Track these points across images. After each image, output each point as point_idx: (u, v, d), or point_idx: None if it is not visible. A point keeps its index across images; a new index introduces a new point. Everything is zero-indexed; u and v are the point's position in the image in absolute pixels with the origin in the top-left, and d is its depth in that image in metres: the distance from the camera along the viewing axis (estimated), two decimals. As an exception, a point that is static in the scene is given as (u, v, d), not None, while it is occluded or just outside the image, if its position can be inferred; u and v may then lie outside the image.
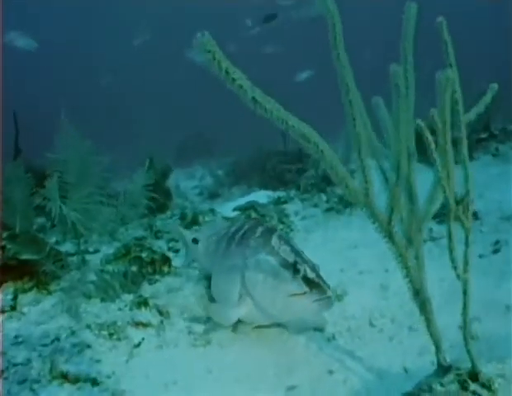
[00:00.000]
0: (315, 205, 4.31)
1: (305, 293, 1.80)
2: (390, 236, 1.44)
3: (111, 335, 2.02)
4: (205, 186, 6.82)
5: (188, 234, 2.64)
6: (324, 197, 4.57)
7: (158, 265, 2.58)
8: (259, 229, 2.11)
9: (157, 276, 2.51)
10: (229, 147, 8.04)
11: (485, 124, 5.73)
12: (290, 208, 4.16)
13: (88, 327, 2.04)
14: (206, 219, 3.64)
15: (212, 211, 3.79)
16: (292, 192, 4.73)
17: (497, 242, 2.68)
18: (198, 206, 4.63)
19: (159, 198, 3.55)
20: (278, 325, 2.22)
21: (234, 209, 3.80)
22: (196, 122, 11.24)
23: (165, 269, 2.57)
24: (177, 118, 12.08)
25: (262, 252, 1.97)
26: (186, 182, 6.90)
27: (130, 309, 2.27)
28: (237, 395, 1.77)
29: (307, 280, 1.81)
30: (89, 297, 2.39)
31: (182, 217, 3.76)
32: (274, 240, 2.00)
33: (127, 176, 3.36)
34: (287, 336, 2.15)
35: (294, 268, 1.84)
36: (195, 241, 2.49)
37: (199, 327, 2.20)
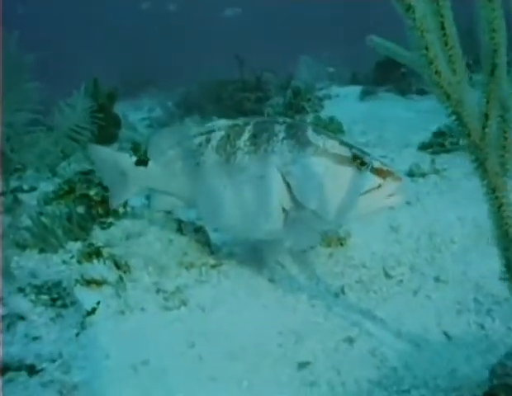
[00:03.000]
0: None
1: (379, 186, 1.50)
2: (481, 157, 0.97)
3: (53, 300, 1.49)
4: (154, 118, 6.21)
5: (126, 155, 1.88)
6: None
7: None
8: (279, 128, 1.61)
9: (110, 219, 1.95)
10: (177, 77, 7.35)
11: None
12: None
13: (22, 290, 1.50)
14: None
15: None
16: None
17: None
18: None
19: (106, 125, 2.95)
20: (270, 280, 1.77)
21: (197, 139, 3.24)
22: (143, 55, 10.34)
23: (120, 209, 2.02)
24: (123, 50, 11.11)
25: (302, 154, 1.56)
26: (133, 115, 6.23)
27: (79, 262, 1.75)
28: (233, 378, 1.31)
29: (376, 171, 1.51)
30: (23, 247, 1.84)
31: (135, 148, 3.18)
32: (312, 136, 1.58)
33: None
34: (283, 292, 1.70)
35: (359, 161, 1.51)
36: (142, 163, 1.84)
37: (170, 284, 1.72)
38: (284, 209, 1.60)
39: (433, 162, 2.57)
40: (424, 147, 2.96)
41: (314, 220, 1.58)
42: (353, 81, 6.11)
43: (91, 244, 1.81)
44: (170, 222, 1.96)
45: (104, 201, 2.05)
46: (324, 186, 1.52)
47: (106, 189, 2.08)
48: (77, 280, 1.62)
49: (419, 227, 1.99)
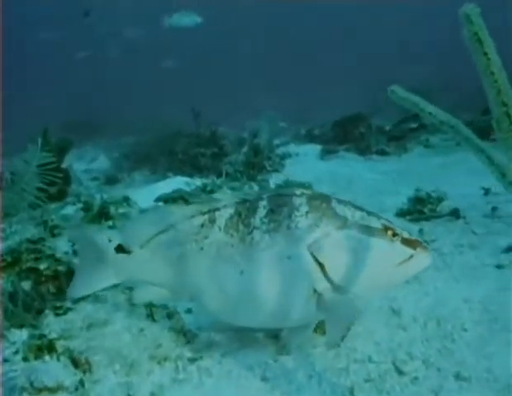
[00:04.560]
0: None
1: (411, 256, 1.44)
2: None
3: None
4: (98, 169, 5.86)
5: (105, 239, 1.57)
6: (255, 186, 3.88)
7: (66, 281, 1.69)
8: (299, 201, 1.44)
9: (67, 302, 1.62)
10: (126, 125, 7.04)
11: (415, 114, 5.42)
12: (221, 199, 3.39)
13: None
14: (120, 210, 2.74)
15: (127, 200, 2.88)
16: (219, 180, 3.97)
17: (510, 248, 2.15)
18: (96, 193, 3.70)
19: (57, 182, 2.61)
20: (263, 379, 1.48)
21: (158, 199, 2.95)
22: (89, 99, 9.98)
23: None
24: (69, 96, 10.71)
25: (332, 228, 1.42)
26: (76, 165, 5.84)
27: (25, 360, 1.40)
28: None
29: (406, 241, 1.45)
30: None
31: (86, 207, 2.83)
32: (339, 207, 1.45)
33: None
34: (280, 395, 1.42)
35: (390, 232, 1.44)
36: (122, 249, 1.58)
37: (142, 385, 1.39)
38: (315, 291, 1.42)
39: (421, 232, 2.40)
40: (402, 213, 2.81)
41: (348, 300, 1.43)
42: (309, 138, 6.05)
43: (42, 335, 1.47)
44: (139, 306, 1.65)
45: (57, 277, 1.71)
46: (358, 261, 1.41)
47: (59, 261, 1.75)
48: (23, 389, 1.27)
49: (422, 310, 1.77)
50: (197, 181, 4.07)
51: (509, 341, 1.57)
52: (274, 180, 4.00)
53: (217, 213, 1.47)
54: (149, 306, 1.67)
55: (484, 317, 1.71)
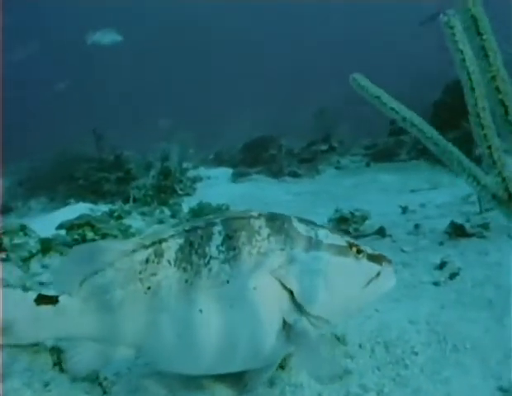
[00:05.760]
0: (161, 221, 3.34)
1: (378, 273, 1.33)
2: None
3: None
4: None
5: (18, 290, 1.31)
6: (167, 211, 3.63)
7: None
8: (258, 223, 1.26)
9: None
10: (20, 150, 6.48)
11: (325, 136, 5.48)
12: (131, 225, 3.10)
13: None
14: (17, 241, 2.38)
15: (24, 229, 2.51)
16: (127, 205, 3.68)
17: (443, 264, 2.09)
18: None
19: None
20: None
21: (60, 227, 2.61)
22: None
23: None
24: None
25: (298, 250, 1.26)
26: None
27: None
28: None
29: (371, 257, 1.34)
30: None
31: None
32: (301, 227, 1.30)
33: None
34: None
35: (355, 249, 1.32)
36: (44, 299, 1.26)
37: None
38: (285, 323, 1.25)
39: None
40: (326, 234, 2.70)
41: (320, 327, 1.30)
42: (218, 162, 5.90)
43: None
44: (43, 352, 1.35)
45: None
46: (329, 284, 1.27)
47: None
48: None
49: (367, 335, 1.62)
50: (103, 207, 3.76)
51: (461, 362, 1.47)
52: (187, 204, 3.77)
53: (164, 244, 1.24)
54: (56, 352, 1.38)
55: (432, 338, 1.59)
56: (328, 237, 1.31)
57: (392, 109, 1.09)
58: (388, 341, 1.58)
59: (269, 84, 11.30)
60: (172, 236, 1.25)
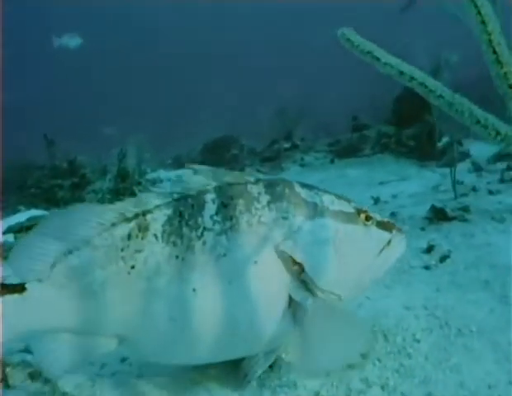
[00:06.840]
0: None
1: (389, 241, 1.22)
2: None
3: None
4: None
5: None
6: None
7: None
8: (257, 190, 1.11)
9: None
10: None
11: (287, 135, 5.36)
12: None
13: None
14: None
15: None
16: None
17: (431, 247, 1.96)
18: None
19: None
20: None
21: (8, 230, 2.35)
22: None
23: None
24: None
25: (303, 218, 1.11)
26: None
27: None
28: None
29: (381, 225, 1.23)
30: None
31: None
32: (305, 193, 1.16)
33: None
34: None
35: (363, 216, 1.20)
36: (9, 288, 1.00)
37: None
38: (291, 301, 1.09)
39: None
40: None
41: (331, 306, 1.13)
42: (177, 165, 5.69)
43: None
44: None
45: None
46: (339, 256, 1.14)
47: None
48: None
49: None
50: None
51: (470, 347, 1.33)
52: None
53: (149, 216, 1.08)
54: (2, 364, 1.16)
55: (433, 323, 1.45)
56: (334, 203, 1.18)
57: (386, 64, 0.95)
58: (386, 329, 1.43)
59: (227, 85, 11.15)
60: (158, 206, 1.08)
